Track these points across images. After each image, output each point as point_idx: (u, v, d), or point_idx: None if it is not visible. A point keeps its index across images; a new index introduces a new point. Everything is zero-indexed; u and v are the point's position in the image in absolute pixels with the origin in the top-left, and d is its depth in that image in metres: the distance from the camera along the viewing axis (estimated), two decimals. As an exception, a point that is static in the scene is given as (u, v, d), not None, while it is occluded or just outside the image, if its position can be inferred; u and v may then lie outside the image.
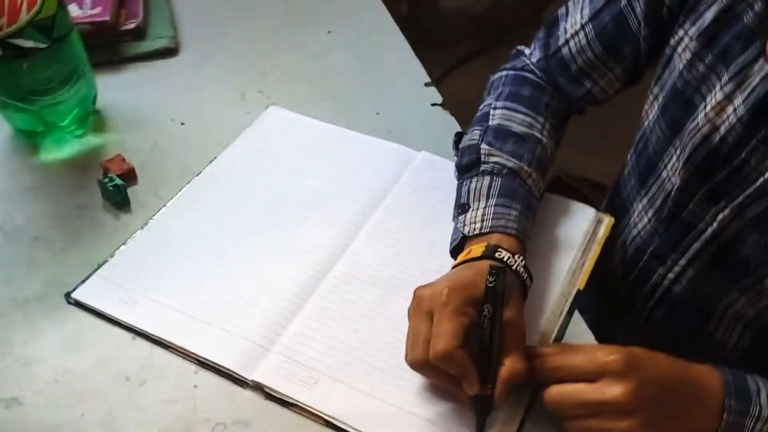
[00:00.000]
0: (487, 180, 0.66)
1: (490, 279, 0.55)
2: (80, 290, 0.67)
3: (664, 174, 0.65)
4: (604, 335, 0.77)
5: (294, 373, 0.60)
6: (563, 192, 1.16)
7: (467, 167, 0.68)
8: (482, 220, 0.62)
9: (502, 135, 0.68)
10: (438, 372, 0.54)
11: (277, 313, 0.65)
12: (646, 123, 0.68)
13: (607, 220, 0.71)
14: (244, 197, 0.76)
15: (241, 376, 0.60)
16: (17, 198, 0.77)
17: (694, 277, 0.64)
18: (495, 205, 0.63)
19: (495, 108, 0.71)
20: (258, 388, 0.60)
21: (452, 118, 0.85)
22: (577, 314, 0.65)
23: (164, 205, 0.75)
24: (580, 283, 0.66)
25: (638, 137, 0.70)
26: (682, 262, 0.65)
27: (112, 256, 0.70)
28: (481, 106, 0.74)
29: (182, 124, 0.86)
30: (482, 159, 0.67)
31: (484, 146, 0.68)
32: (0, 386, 0.61)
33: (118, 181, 0.75)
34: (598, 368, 0.52)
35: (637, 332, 0.71)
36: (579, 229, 0.70)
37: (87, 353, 0.63)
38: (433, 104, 0.87)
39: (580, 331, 0.65)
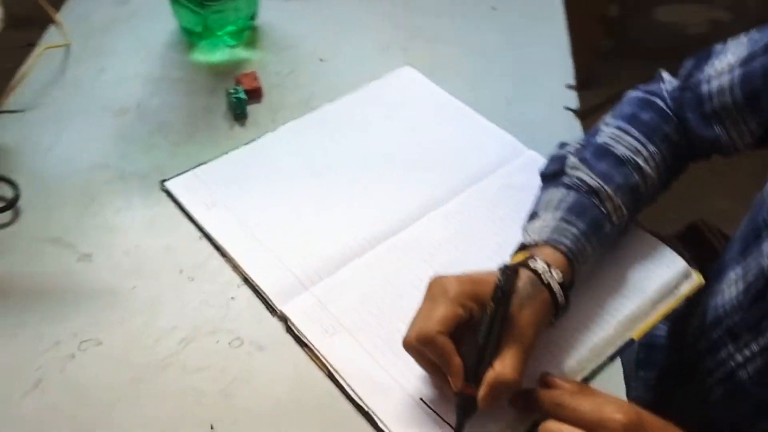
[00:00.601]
0: (562, 192, 0.62)
1: (500, 277, 0.53)
2: (173, 181, 0.73)
3: (765, 248, 0.57)
4: (661, 401, 0.71)
5: (319, 318, 0.62)
6: (695, 240, 1.06)
7: (550, 176, 0.65)
8: (540, 231, 0.59)
9: (600, 153, 0.64)
10: (424, 358, 0.54)
11: (328, 259, 0.66)
12: (766, 186, 0.60)
13: (696, 279, 0.65)
14: (344, 143, 0.78)
15: (273, 304, 0.63)
16: (160, 85, 0.85)
17: (762, 368, 0.57)
18: (559, 219, 0.60)
19: (608, 125, 0.67)
20: (284, 319, 0.62)
21: (579, 127, 0.81)
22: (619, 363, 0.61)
23: (273, 129, 0.79)
24: (637, 332, 0.61)
25: (756, 200, 0.62)
26: (755, 347, 0.57)
27: (211, 160, 0.75)
28: (600, 121, 0.69)
29: (321, 60, 0.89)
30: (566, 171, 0.64)
31: (572, 159, 0.64)
32: (81, 240, 0.68)
33: (242, 95, 0.80)
34: (599, 421, 0.49)
35: (691, 408, 0.65)
36: (659, 278, 0.64)
37: (158, 238, 0.69)
38: (567, 108, 0.83)
39: (615, 380, 0.60)
